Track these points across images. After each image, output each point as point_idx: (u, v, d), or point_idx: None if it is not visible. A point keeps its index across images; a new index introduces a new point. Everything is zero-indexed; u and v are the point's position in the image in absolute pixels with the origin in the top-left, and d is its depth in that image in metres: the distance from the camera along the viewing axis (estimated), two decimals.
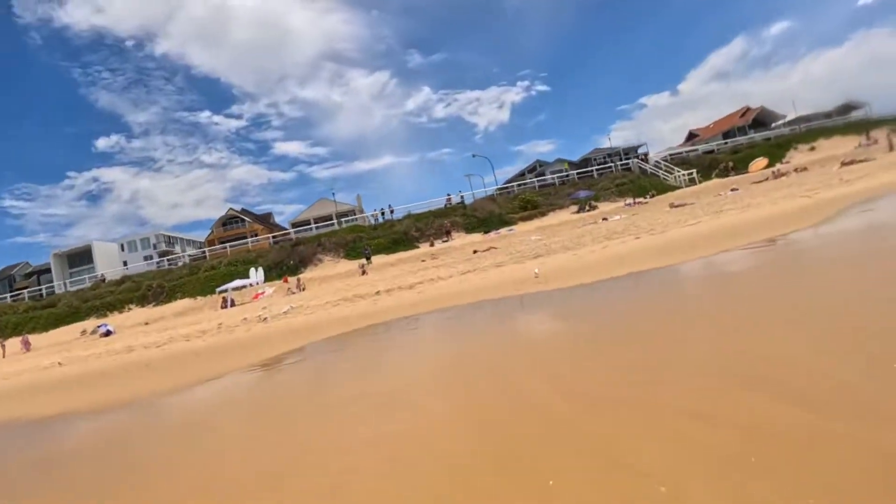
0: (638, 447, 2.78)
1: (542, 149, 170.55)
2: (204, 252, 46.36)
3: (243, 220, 57.49)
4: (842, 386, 2.94)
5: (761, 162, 39.16)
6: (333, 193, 53.59)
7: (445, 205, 44.37)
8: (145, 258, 53.17)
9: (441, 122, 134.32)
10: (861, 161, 27.37)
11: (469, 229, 37.92)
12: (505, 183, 53.97)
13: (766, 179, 31.26)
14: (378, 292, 16.23)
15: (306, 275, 33.81)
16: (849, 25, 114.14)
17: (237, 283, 30.67)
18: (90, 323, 28.49)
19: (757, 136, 51.33)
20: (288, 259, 37.03)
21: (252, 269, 34.29)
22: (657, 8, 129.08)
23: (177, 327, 19.55)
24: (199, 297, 32.19)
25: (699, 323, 5.30)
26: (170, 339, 15.54)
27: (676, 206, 25.80)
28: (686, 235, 13.45)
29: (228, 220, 57.68)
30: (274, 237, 46.48)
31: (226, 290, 29.28)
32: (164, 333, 17.40)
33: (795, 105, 63.09)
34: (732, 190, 28.70)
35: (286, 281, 32.33)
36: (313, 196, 60.35)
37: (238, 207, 61.97)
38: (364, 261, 32.98)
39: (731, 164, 41.41)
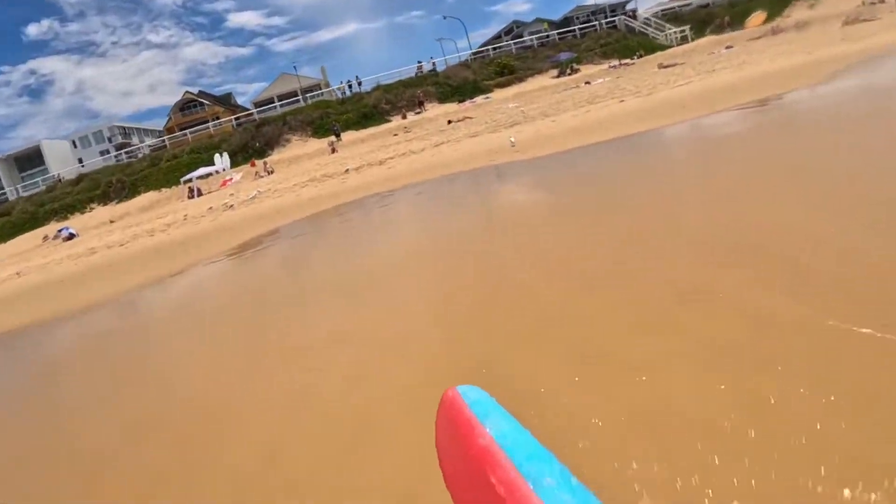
0: (622, 333, 2.49)
1: (520, 8, 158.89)
2: (164, 141, 44.20)
3: (202, 104, 54.13)
4: (844, 255, 2.61)
5: (759, 17, 36.78)
6: (295, 67, 50.23)
7: (416, 73, 42.03)
8: (101, 153, 50.29)
9: None
10: (865, 20, 25.81)
11: (443, 99, 36.25)
12: (480, 47, 50.75)
13: (764, 36, 29.56)
14: (347, 170, 15.69)
15: (274, 157, 32.70)
16: None
17: (202, 171, 29.47)
18: (51, 228, 27.58)
19: None
20: (253, 141, 35.55)
21: (217, 155, 32.90)
22: None
23: (142, 223, 18.98)
24: (163, 189, 31.15)
25: (689, 190, 4.89)
26: (134, 236, 15.05)
27: (666, 67, 24.59)
28: (675, 97, 12.75)
29: (186, 105, 54.28)
30: (237, 119, 44.26)
31: (190, 180, 28.20)
32: (129, 231, 16.85)
33: None
34: (727, 48, 27.16)
35: (253, 165, 31.27)
36: (275, 73, 56.24)
37: (195, 90, 58.10)
38: (333, 138, 31.78)
39: (727, 19, 38.90)
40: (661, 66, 25.70)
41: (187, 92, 55.51)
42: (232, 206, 15.77)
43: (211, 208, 16.65)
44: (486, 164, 10.22)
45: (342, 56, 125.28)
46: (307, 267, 6.28)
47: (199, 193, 27.02)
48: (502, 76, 37.89)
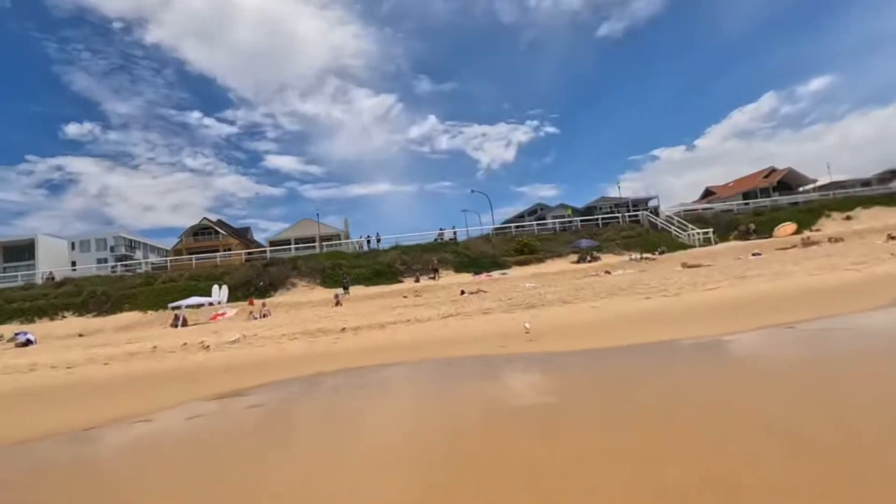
0: None
1: (546, 193, 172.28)
2: (167, 262, 44.78)
3: (217, 232, 56.04)
4: None
5: (789, 227, 38.01)
6: (318, 215, 52.39)
7: (436, 239, 43.47)
8: (98, 261, 50.71)
9: (444, 154, 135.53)
10: None
11: (459, 268, 36.73)
12: (502, 223, 53.27)
13: (794, 247, 30.18)
14: (343, 329, 14.84)
15: (275, 299, 32.40)
16: None
17: (194, 300, 29.05)
18: (11, 328, 26.49)
19: (782, 199, 50.41)
20: (258, 279, 35.62)
21: (215, 287, 32.75)
22: (681, 56, 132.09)
23: (108, 345, 17.91)
24: (149, 312, 30.47)
25: (738, 438, 3.82)
26: (89, 360, 13.85)
27: (690, 267, 24.73)
28: (707, 301, 12.15)
29: (201, 230, 56.23)
30: (248, 254, 45.21)
31: (179, 307, 27.63)
32: (88, 352, 15.71)
33: (830, 169, 61.86)
34: (754, 255, 27.64)
35: (251, 304, 30.91)
36: (302, 216, 59.34)
37: (214, 218, 60.73)
38: (341, 290, 31.69)
39: (752, 226, 40.42)
40: (684, 266, 25.90)
41: (205, 218, 57.87)
42: (208, 346, 14.72)
43: (185, 344, 15.61)
44: (495, 351, 9.24)
45: (368, 211, 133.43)
46: (239, 467, 5.01)
47: (185, 323, 26.24)
48: (522, 254, 38.81)
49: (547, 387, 6.49)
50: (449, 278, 34.13)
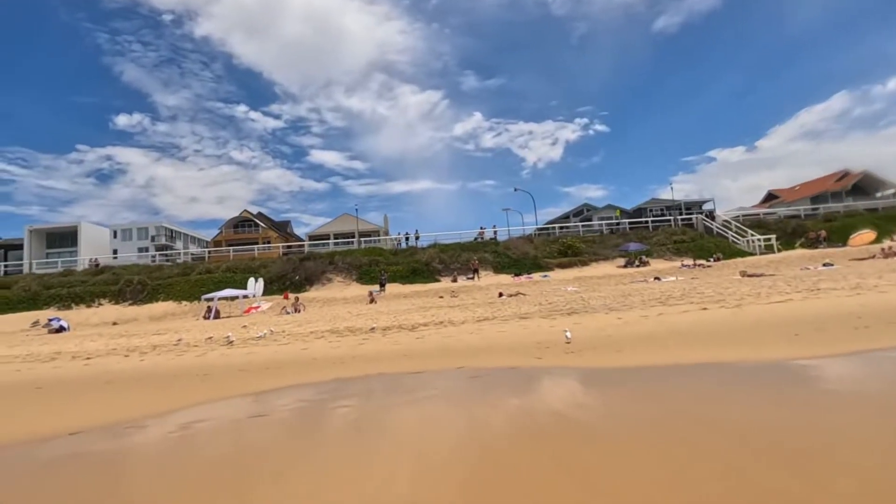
0: None
1: (593, 193, 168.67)
2: (206, 252, 45.57)
3: (257, 225, 56.77)
4: None
5: (866, 235, 35.12)
6: (357, 210, 52.05)
7: (476, 238, 42.66)
8: (139, 249, 51.96)
9: (488, 151, 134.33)
10: None
11: (498, 269, 35.81)
12: (546, 223, 51.97)
13: (873, 257, 27.81)
14: (372, 329, 14.31)
15: (310, 294, 32.35)
16: None
17: (228, 292, 29.15)
18: (47, 313, 27.15)
19: (858, 204, 47.16)
20: (294, 273, 35.69)
21: (251, 279, 32.89)
22: (741, 52, 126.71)
23: (136, 335, 17.99)
24: (183, 302, 30.84)
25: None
26: (111, 351, 13.77)
27: (750, 276, 23.13)
28: (775, 316, 10.89)
29: (241, 223, 57.08)
30: (287, 247, 45.52)
31: (212, 299, 27.75)
32: (112, 342, 15.72)
33: None
34: (825, 265, 25.63)
35: (286, 297, 30.96)
36: (343, 211, 59.18)
37: (255, 210, 61.58)
38: (377, 287, 31.40)
39: (823, 233, 37.73)
40: (743, 274, 24.31)
41: (245, 211, 58.69)
42: (232, 341, 14.45)
43: (210, 338, 15.45)
44: (531, 363, 8.36)
45: (409, 208, 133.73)
46: (234, 485, 4.37)
47: (217, 315, 26.34)
48: (565, 256, 37.58)
49: (587, 413, 5.60)
50: (488, 279, 33.30)
